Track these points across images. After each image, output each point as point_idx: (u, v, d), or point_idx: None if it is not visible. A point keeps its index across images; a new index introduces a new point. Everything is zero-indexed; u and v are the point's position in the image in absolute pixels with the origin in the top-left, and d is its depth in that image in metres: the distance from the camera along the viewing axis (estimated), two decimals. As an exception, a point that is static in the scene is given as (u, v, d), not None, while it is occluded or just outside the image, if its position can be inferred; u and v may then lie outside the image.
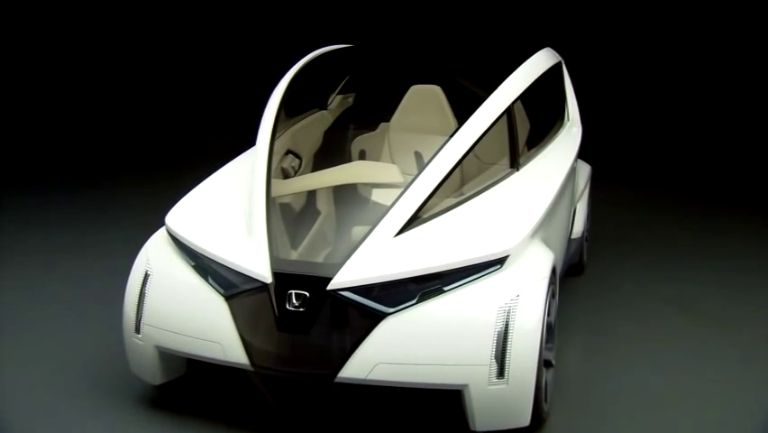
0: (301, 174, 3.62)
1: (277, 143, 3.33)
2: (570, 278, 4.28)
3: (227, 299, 2.70)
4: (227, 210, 3.06)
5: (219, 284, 2.74)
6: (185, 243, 2.89)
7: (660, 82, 8.00)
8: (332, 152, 3.89)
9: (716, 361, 3.48)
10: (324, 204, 3.45)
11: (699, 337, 3.73)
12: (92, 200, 5.75)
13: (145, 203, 5.27)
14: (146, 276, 2.87)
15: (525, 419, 2.63)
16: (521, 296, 2.61)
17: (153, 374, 2.90)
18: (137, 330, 2.84)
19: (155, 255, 2.94)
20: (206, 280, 2.77)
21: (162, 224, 3.05)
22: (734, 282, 4.41)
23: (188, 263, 2.86)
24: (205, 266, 2.80)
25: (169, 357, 2.86)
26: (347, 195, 3.40)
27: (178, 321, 2.76)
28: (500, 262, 2.69)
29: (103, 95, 8.27)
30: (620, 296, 4.22)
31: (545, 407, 2.84)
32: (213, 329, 2.69)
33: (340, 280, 2.61)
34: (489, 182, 3.21)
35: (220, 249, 2.79)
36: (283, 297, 2.63)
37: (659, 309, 4.05)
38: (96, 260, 4.53)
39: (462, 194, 3.16)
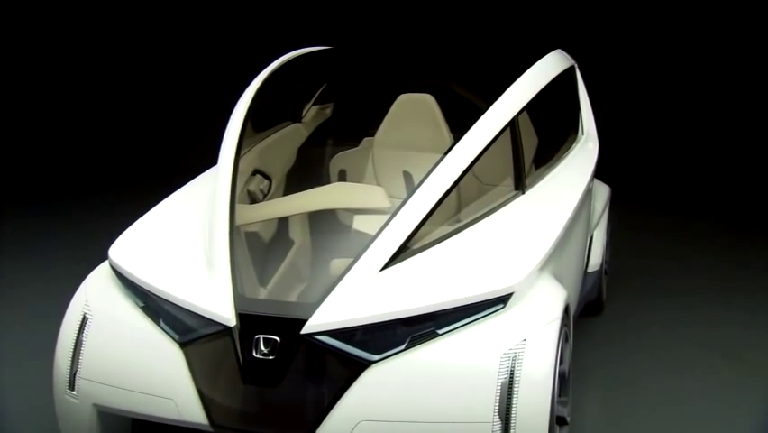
0: (271, 198, 3.64)
1: (242, 162, 3.35)
2: (586, 318, 4.30)
3: (182, 346, 2.70)
4: (183, 241, 3.06)
5: (173, 328, 2.74)
6: (131, 279, 2.89)
7: (688, 90, 8.09)
8: (307, 171, 3.91)
9: (764, 420, 3.47)
10: (297, 233, 3.46)
11: (743, 391, 3.71)
12: (28, 227, 5.72)
13: (90, 231, 5.26)
14: (84, 320, 2.86)
15: (534, 487, 2.63)
16: (528, 340, 2.63)
17: (90, 439, 2.87)
18: (71, 386, 2.82)
19: (95, 295, 2.93)
20: (157, 324, 2.77)
21: (105, 257, 3.05)
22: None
23: (136, 304, 2.85)
24: (155, 307, 2.80)
25: (109, 418, 2.84)
26: (324, 222, 3.42)
27: (122, 374, 2.74)
28: (503, 300, 2.70)
29: (44, 103, 8.26)
30: (647, 340, 4.24)
31: (559, 472, 2.85)
32: (164, 383, 2.68)
33: (316, 323, 2.62)
34: (491, 207, 3.24)
35: (174, 287, 2.79)
36: (249, 343, 2.63)
37: (693, 357, 4.05)
38: (27, 299, 4.50)
39: (459, 221, 3.19)
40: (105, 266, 3.07)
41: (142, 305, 2.84)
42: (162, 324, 2.76)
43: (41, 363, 3.21)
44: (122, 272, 2.93)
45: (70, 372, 2.82)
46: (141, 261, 2.95)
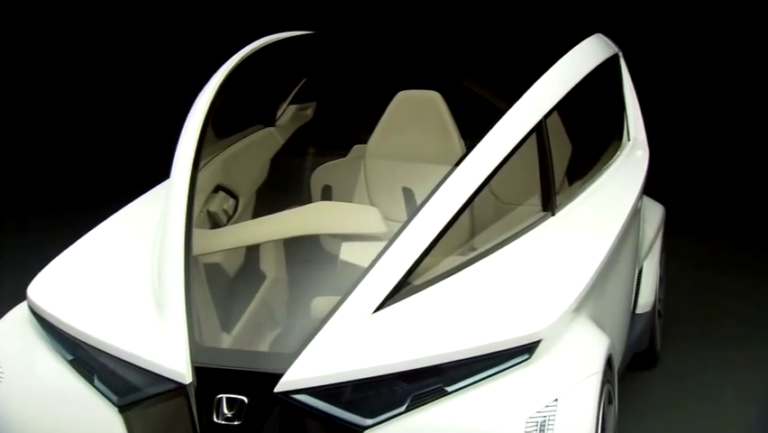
0: (237, 221, 3.65)
1: (201, 176, 3.36)
2: (637, 373, 4.29)
3: (122, 409, 2.69)
4: (124, 276, 3.06)
5: (110, 388, 2.72)
6: (57, 325, 2.87)
7: (759, 84, 8.11)
8: (282, 188, 3.93)
9: None
10: (270, 265, 3.47)
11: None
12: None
13: (16, 263, 5.22)
14: (-8, 378, 2.86)
15: None
16: (560, 401, 2.62)
17: None
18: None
19: (7, 346, 2.94)
20: (90, 383, 2.76)
21: (24, 297, 3.03)
22: None
23: (63, 357, 2.84)
24: (88, 361, 2.78)
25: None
26: (304, 251, 3.43)
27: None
28: (529, 350, 2.70)
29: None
30: (713, 404, 4.20)
31: None
32: (99, 457, 2.66)
33: (293, 379, 2.61)
34: (512, 232, 3.24)
35: (112, 334, 2.78)
36: (209, 404, 2.62)
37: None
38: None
39: (473, 250, 3.19)
40: (21, 309, 3.06)
41: (71, 358, 2.82)
42: (97, 382, 2.74)
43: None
44: (44, 316, 2.92)
45: (-28, 447, 2.81)
46: (69, 302, 2.94)
